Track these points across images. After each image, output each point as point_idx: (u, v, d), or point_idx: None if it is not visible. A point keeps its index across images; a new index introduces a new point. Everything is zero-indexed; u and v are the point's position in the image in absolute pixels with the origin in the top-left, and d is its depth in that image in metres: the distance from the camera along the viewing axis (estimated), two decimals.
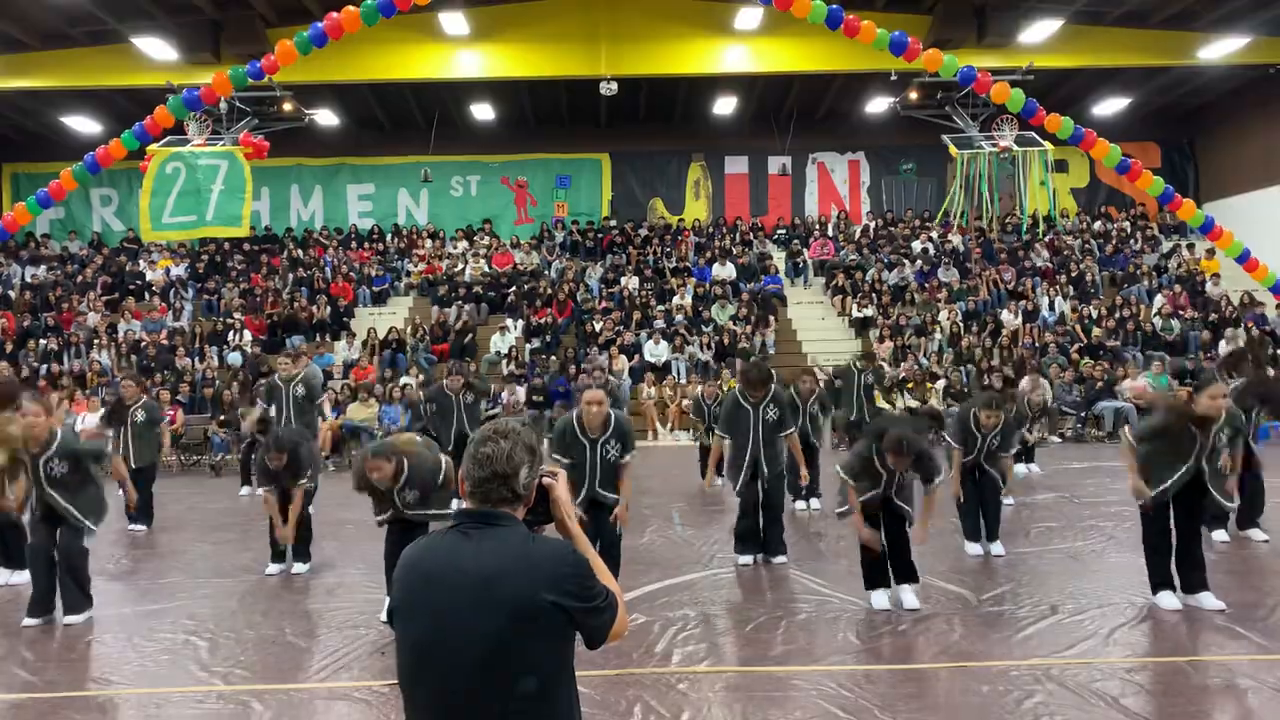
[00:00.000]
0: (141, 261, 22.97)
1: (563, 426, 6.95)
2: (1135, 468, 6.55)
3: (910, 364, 18.26)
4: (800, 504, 10.49)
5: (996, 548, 8.16)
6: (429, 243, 23.99)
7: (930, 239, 23.43)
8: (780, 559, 7.98)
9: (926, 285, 21.60)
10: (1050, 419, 16.13)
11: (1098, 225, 24.34)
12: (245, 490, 12.54)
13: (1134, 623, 6.21)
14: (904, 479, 6.55)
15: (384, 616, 6.14)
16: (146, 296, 21.69)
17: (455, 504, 6.90)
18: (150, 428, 10.71)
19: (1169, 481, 6.36)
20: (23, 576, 7.86)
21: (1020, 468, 12.20)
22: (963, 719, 4.82)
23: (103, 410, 11.81)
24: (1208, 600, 6.38)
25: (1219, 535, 8.32)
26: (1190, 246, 22.52)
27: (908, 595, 6.61)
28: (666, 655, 5.81)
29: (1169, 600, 6.44)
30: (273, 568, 8.11)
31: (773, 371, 8.41)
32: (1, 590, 7.74)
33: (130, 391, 10.75)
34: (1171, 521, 6.49)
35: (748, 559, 7.98)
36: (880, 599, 6.61)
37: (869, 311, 20.78)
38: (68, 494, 6.69)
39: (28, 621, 6.65)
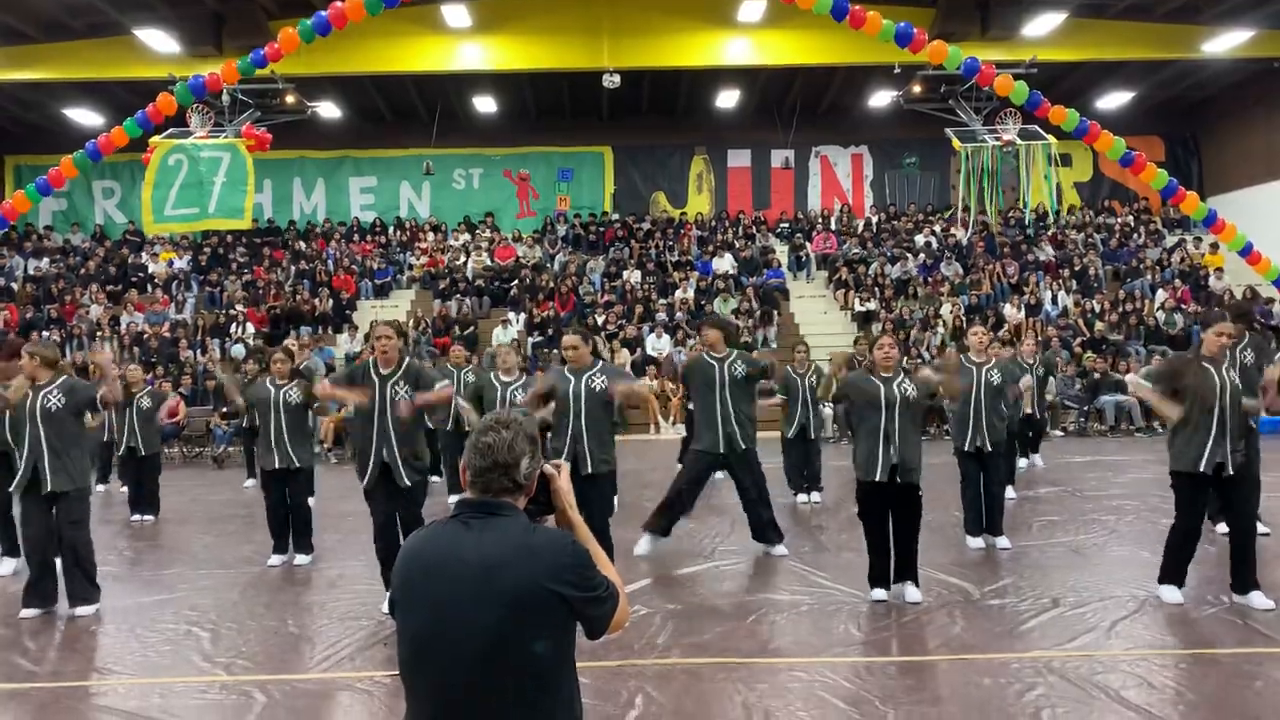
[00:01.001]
0: (144, 254, 22.99)
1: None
2: (1156, 395, 6.41)
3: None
4: (801, 497, 10.49)
5: (1001, 541, 8.14)
6: (431, 236, 24.00)
7: (933, 233, 23.41)
8: (779, 549, 7.97)
9: (929, 279, 21.58)
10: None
11: (1101, 219, 24.31)
12: (250, 483, 12.57)
13: (1135, 616, 6.20)
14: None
15: (385, 608, 6.14)
16: (149, 289, 21.71)
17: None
18: (156, 415, 10.80)
19: (1206, 448, 6.13)
20: (10, 565, 7.89)
21: (1023, 461, 12.20)
22: (964, 711, 4.82)
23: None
24: (1258, 600, 6.26)
25: (1221, 528, 8.31)
26: (1197, 240, 22.47)
27: (910, 591, 6.59)
28: (668, 647, 5.81)
29: (1172, 594, 6.40)
30: (275, 559, 8.12)
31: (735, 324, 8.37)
32: (2, 580, 7.76)
33: (135, 378, 10.79)
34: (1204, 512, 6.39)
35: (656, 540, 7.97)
36: (880, 593, 6.61)
37: (871, 305, 20.77)
38: (59, 443, 6.59)
39: (25, 613, 6.65)
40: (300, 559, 8.15)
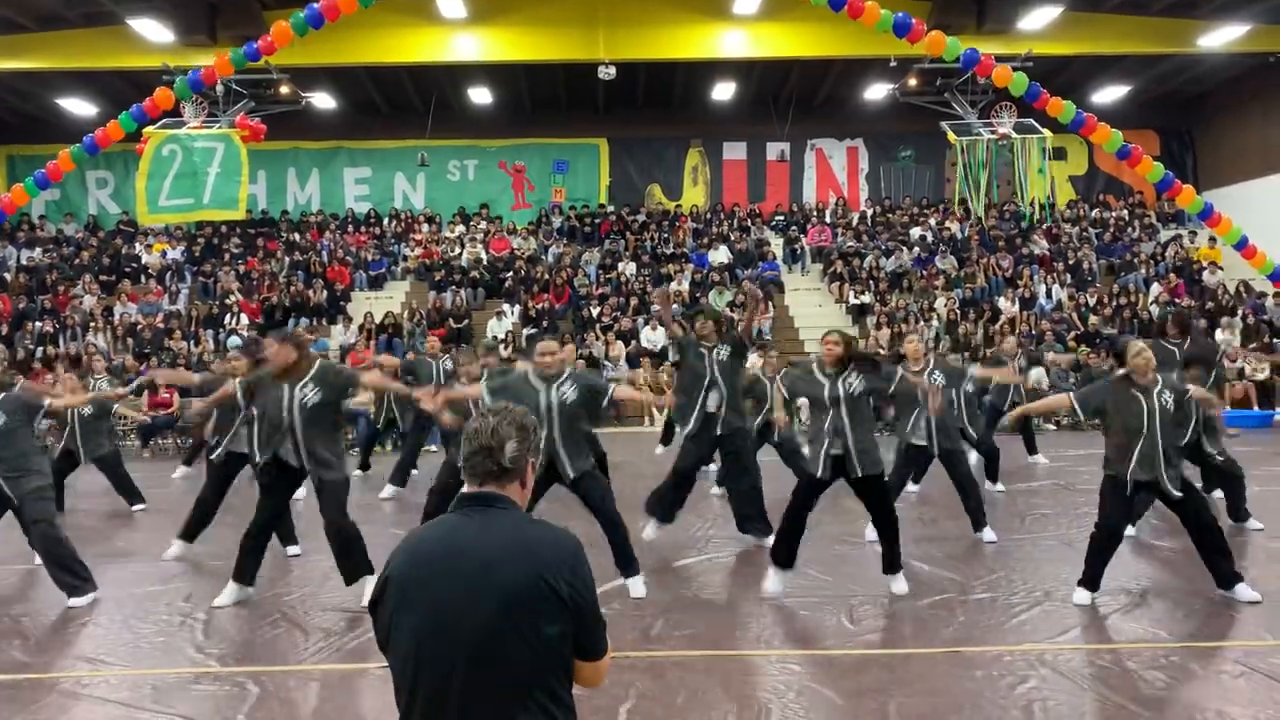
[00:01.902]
0: (137, 244, 22.91)
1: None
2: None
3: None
4: None
5: (987, 534, 8.15)
6: (426, 227, 23.95)
7: (929, 226, 23.42)
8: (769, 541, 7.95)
9: (924, 272, 21.59)
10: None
11: (1095, 213, 24.33)
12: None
13: (1127, 609, 6.23)
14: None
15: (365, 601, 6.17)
16: (142, 279, 21.65)
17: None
18: (101, 423, 10.51)
19: (1131, 460, 6.15)
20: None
21: (1032, 458, 12.29)
22: (956, 704, 4.83)
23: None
24: (1244, 592, 6.25)
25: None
26: (1193, 234, 22.46)
27: (897, 583, 6.58)
28: (661, 639, 5.82)
29: (1081, 596, 6.33)
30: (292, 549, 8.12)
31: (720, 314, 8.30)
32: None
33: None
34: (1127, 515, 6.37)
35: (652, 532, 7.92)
36: (773, 581, 6.59)
37: (866, 299, 20.78)
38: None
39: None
40: (291, 549, 8.15)
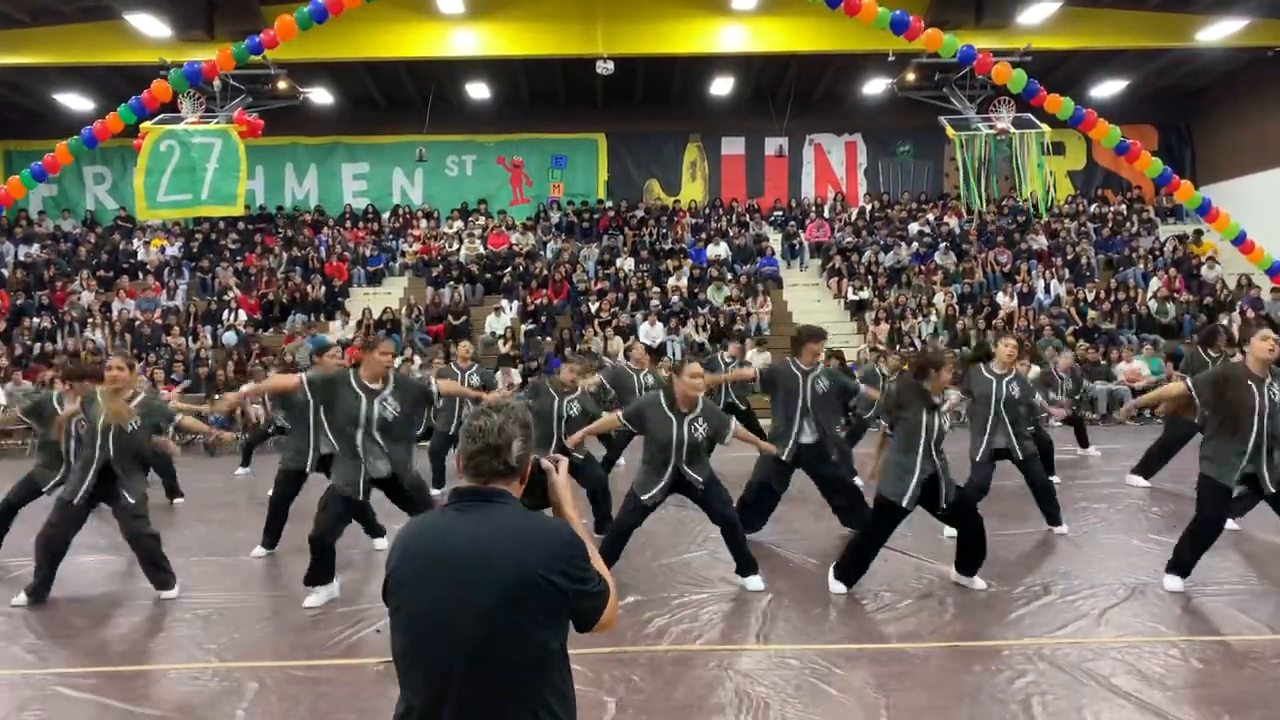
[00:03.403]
0: (135, 240, 22.88)
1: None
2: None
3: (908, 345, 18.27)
4: None
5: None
6: (424, 223, 23.93)
7: (927, 221, 23.41)
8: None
9: (922, 268, 21.59)
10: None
11: (1094, 208, 24.33)
12: (242, 471, 12.62)
13: (1125, 603, 6.23)
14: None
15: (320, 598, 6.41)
16: (140, 275, 21.62)
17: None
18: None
19: (1242, 462, 6.06)
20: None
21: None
22: (955, 698, 4.84)
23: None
24: None
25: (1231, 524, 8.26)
26: (1198, 233, 22.37)
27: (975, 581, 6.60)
28: (659, 634, 5.83)
29: (1174, 583, 6.41)
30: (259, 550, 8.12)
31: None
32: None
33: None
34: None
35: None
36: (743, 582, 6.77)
37: (865, 294, 20.78)
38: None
39: (17, 601, 6.64)
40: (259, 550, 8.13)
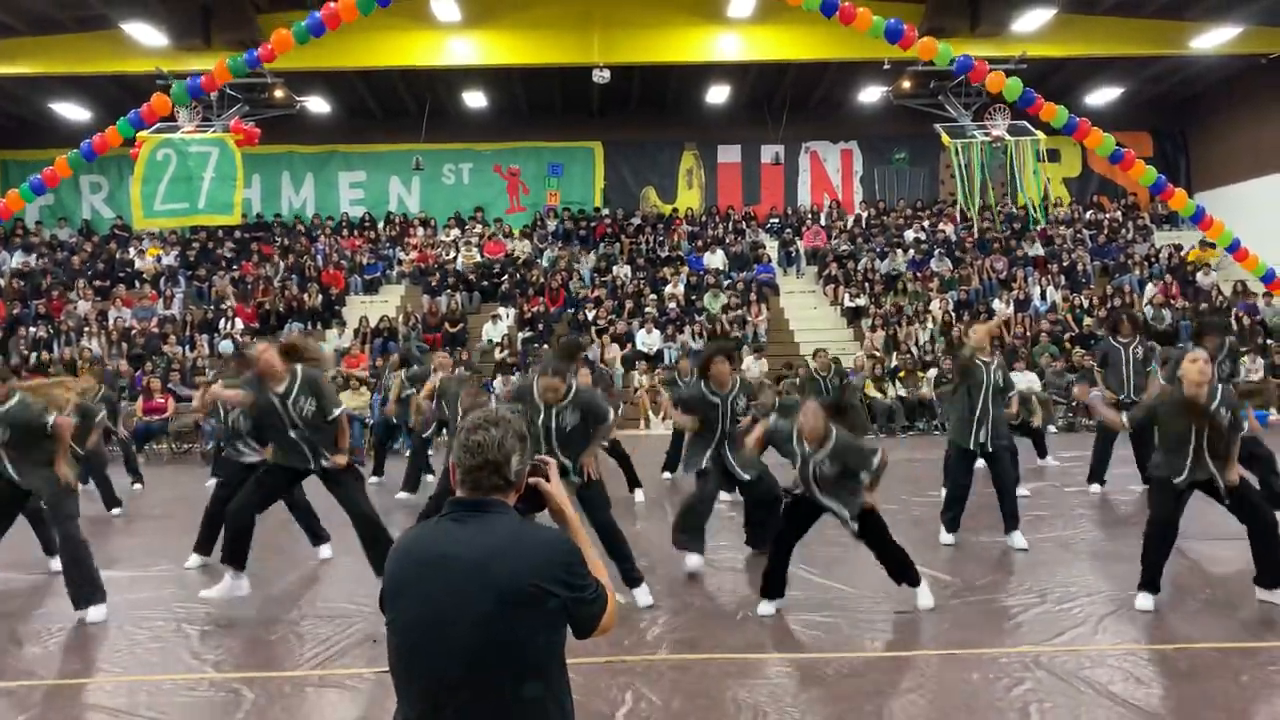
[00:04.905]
0: (132, 249, 22.87)
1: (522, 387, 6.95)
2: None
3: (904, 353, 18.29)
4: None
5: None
6: (421, 231, 23.93)
7: (923, 228, 23.45)
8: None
9: (919, 274, 21.62)
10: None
11: (1089, 215, 24.38)
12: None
13: (1122, 610, 6.23)
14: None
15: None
16: (137, 284, 21.61)
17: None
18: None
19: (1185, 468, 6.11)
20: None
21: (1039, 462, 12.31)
22: (952, 706, 4.84)
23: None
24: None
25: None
26: (1207, 245, 22.35)
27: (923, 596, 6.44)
28: (657, 643, 5.83)
29: (1144, 601, 6.26)
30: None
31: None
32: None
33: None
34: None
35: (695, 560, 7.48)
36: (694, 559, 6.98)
37: (861, 301, 20.80)
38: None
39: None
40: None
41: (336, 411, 6.82)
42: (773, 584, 6.40)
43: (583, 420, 6.59)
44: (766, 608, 6.34)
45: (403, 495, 10.76)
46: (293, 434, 6.65)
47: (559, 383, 6.52)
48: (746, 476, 7.39)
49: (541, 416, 6.49)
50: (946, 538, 8.17)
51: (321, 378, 6.99)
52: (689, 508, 7.54)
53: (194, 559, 7.99)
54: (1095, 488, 10.44)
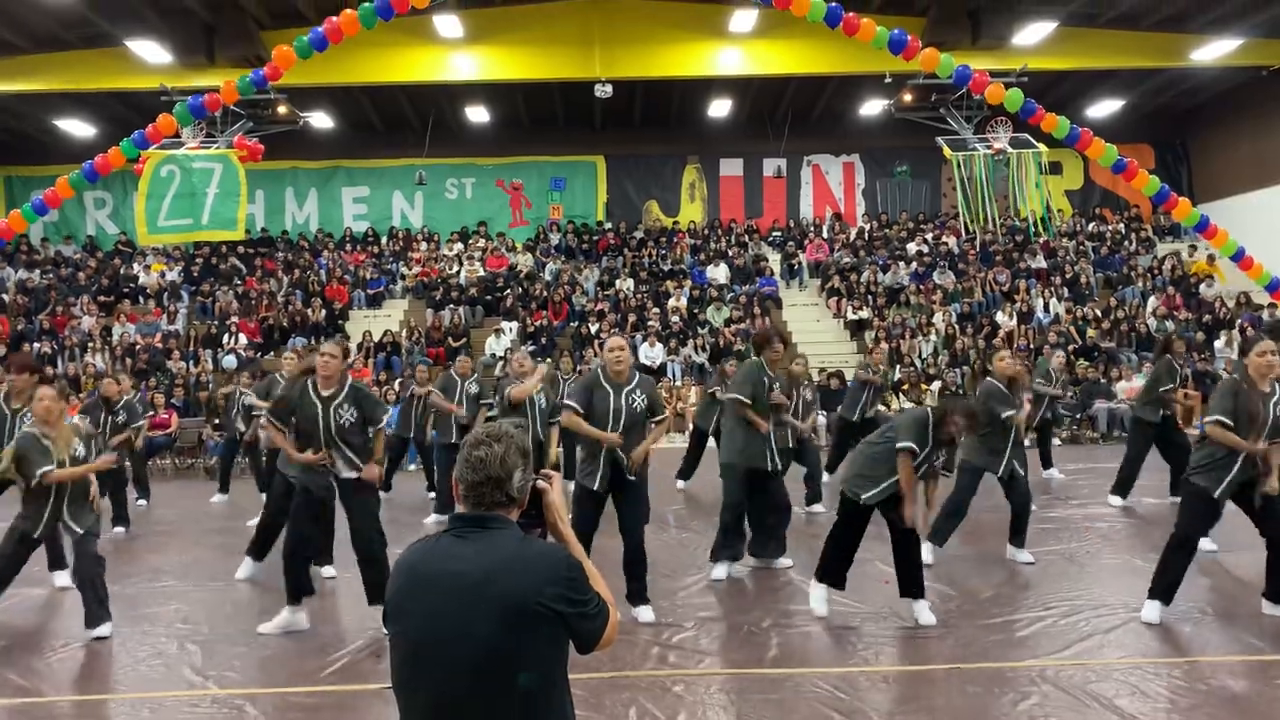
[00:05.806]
0: (136, 265, 22.93)
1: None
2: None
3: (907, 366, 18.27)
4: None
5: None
6: (424, 245, 23.99)
7: (925, 241, 23.47)
8: (782, 562, 7.94)
9: (921, 287, 21.62)
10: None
11: (1092, 227, 24.39)
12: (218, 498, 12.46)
13: (1129, 624, 6.21)
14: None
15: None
16: (141, 300, 21.66)
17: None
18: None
19: (1233, 472, 5.97)
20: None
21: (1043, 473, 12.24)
22: None
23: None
24: None
25: (1205, 545, 8.19)
26: (1192, 248, 22.46)
27: (922, 612, 6.39)
28: (661, 657, 5.80)
29: (1151, 613, 6.24)
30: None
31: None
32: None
33: (112, 390, 10.65)
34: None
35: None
36: (820, 598, 6.53)
37: (864, 314, 20.80)
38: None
39: None
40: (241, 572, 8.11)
41: (383, 420, 6.74)
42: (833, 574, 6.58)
43: (649, 407, 6.61)
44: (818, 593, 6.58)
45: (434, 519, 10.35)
46: (325, 439, 6.50)
47: (628, 353, 6.64)
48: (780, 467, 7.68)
49: (611, 399, 6.48)
50: (930, 552, 8.05)
51: (367, 388, 6.97)
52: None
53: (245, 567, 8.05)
54: (1117, 500, 10.40)
